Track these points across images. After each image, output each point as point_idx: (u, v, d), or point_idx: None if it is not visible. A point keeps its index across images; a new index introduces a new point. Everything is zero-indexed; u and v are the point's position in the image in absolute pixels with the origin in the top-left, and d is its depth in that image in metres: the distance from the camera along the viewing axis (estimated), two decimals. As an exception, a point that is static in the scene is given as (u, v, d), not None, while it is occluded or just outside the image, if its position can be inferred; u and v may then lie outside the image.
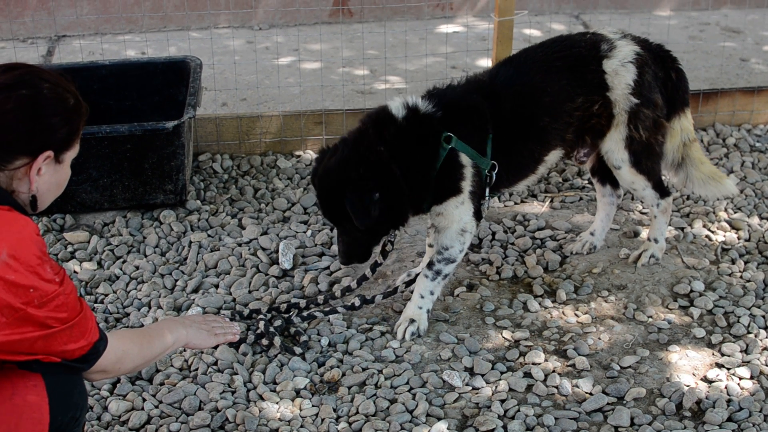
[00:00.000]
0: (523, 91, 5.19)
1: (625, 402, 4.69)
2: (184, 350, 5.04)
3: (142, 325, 5.27)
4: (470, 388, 4.79)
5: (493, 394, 4.73)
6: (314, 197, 6.46)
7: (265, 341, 5.04)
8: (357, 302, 5.28)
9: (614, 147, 5.37)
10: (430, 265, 5.19)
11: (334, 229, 5.69)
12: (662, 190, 5.57)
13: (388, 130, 4.90)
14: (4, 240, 3.19)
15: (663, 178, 5.61)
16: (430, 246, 5.48)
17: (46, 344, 3.29)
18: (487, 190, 5.15)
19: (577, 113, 5.26)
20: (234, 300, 5.48)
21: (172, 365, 4.97)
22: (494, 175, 5.11)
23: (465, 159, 5.02)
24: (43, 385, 3.47)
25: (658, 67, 5.41)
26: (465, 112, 5.05)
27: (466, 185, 5.06)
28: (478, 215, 5.20)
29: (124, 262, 5.88)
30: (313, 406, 4.67)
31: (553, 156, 5.39)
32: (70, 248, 5.99)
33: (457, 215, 5.08)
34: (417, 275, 5.31)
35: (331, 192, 4.89)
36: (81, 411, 3.64)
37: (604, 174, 5.71)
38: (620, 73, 5.25)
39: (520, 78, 5.22)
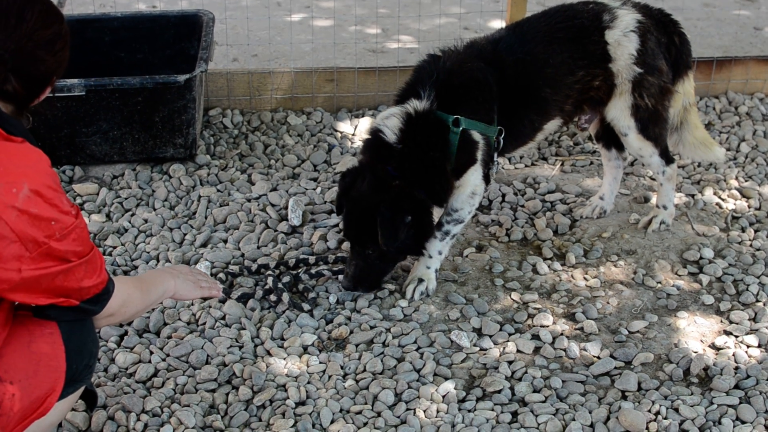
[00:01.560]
0: (526, 61, 5.17)
1: (632, 366, 4.69)
2: (192, 304, 5.05)
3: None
4: (478, 348, 4.79)
5: (500, 356, 4.73)
6: (324, 155, 6.46)
7: (273, 297, 5.04)
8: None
9: (619, 115, 5.37)
10: (439, 225, 5.18)
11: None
12: (667, 158, 5.56)
13: (392, 163, 4.89)
14: (23, 174, 3.19)
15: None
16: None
17: (65, 279, 3.29)
18: (495, 155, 5.14)
19: (577, 86, 5.26)
20: (242, 255, 5.47)
21: (179, 319, 4.97)
22: (501, 140, 5.11)
23: (477, 135, 5.02)
24: (59, 333, 3.48)
25: (661, 32, 5.39)
26: (466, 88, 5.03)
27: (480, 154, 5.07)
28: (486, 178, 5.19)
29: (132, 215, 5.87)
30: (320, 362, 4.68)
31: (552, 125, 5.39)
32: (79, 200, 5.98)
33: (471, 180, 5.09)
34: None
35: (363, 210, 4.90)
36: (93, 359, 3.66)
37: (609, 138, 5.70)
38: (623, 43, 5.23)
39: (522, 47, 5.20)
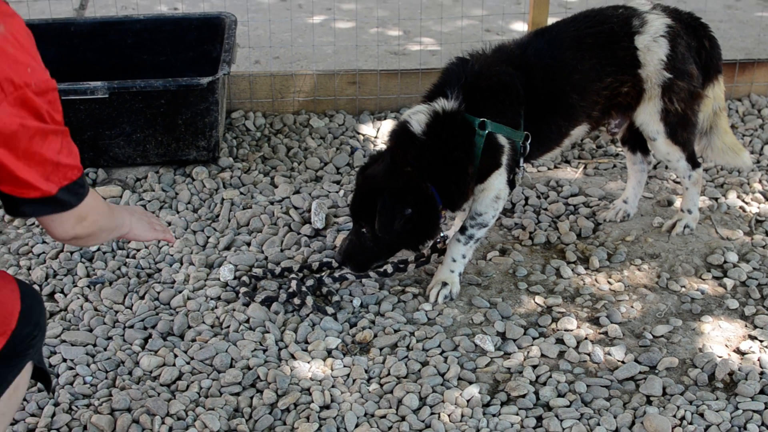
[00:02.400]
0: (554, 66, 5.16)
1: (657, 371, 4.68)
2: (216, 307, 5.06)
3: (174, 282, 5.29)
4: (502, 353, 4.79)
5: (524, 360, 4.72)
6: (347, 158, 6.46)
7: (297, 300, 5.05)
8: (389, 269, 5.27)
9: (648, 120, 5.34)
10: (462, 229, 5.18)
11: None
12: (694, 162, 5.54)
13: (412, 152, 4.91)
14: (1, 18, 3.11)
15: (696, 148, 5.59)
16: (462, 210, 5.47)
17: (42, 145, 3.18)
18: (521, 160, 5.13)
19: (605, 92, 5.23)
20: (266, 258, 5.47)
21: (203, 322, 4.98)
22: (528, 146, 5.10)
23: (502, 139, 5.01)
24: (18, 293, 3.42)
25: (691, 37, 5.36)
26: (493, 91, 5.02)
27: (505, 159, 5.06)
28: (511, 183, 5.19)
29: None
30: (344, 366, 4.68)
31: (579, 131, 5.37)
32: (102, 202, 5.98)
33: (495, 184, 5.08)
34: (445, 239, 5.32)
35: (369, 189, 4.95)
36: (39, 331, 3.57)
37: (635, 142, 5.68)
38: (652, 49, 5.21)
39: (551, 52, 5.18)
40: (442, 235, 5.34)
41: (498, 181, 5.07)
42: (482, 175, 5.04)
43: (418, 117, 4.94)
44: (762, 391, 4.54)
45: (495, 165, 5.03)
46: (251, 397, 4.49)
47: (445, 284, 5.15)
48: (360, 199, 5.02)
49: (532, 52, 5.15)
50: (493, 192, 5.09)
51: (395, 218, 4.84)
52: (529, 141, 5.07)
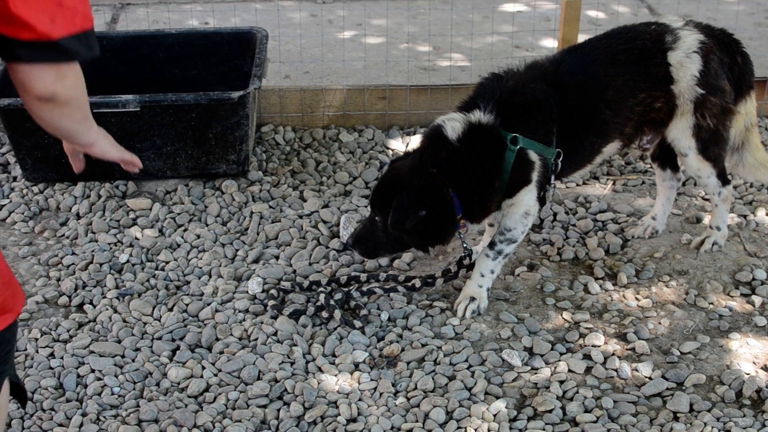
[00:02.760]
0: (587, 83, 5.16)
1: (684, 388, 4.67)
2: (244, 319, 5.08)
3: (203, 294, 5.32)
4: (529, 368, 4.79)
5: (552, 375, 4.72)
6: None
7: (325, 314, 5.06)
8: (417, 283, 5.29)
9: (680, 135, 5.33)
10: (491, 244, 5.19)
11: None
12: (724, 179, 5.53)
13: (443, 155, 4.96)
14: None
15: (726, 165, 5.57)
16: (491, 225, 5.48)
17: None
18: (552, 178, 5.13)
19: (638, 108, 5.22)
20: (294, 272, 5.49)
21: (231, 334, 5.00)
22: (559, 163, 5.10)
23: (533, 155, 5.02)
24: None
25: (724, 52, 5.34)
26: (526, 107, 5.03)
27: (535, 175, 5.07)
28: (541, 200, 5.19)
29: (185, 230, 5.91)
30: (371, 380, 4.69)
31: (611, 148, 5.36)
32: (132, 215, 6.02)
33: (525, 200, 5.09)
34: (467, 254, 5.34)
35: (391, 181, 5.04)
36: (15, 342, 3.38)
37: (665, 158, 5.68)
38: (685, 65, 5.20)
39: (584, 69, 5.18)
40: (466, 247, 5.33)
41: (527, 197, 5.08)
42: (511, 191, 5.05)
43: (453, 124, 4.97)
44: (790, 409, 4.53)
45: (525, 181, 5.04)
46: (278, 410, 4.51)
47: (472, 299, 5.16)
48: (380, 190, 5.09)
49: (566, 69, 5.15)
50: (523, 208, 5.10)
51: (408, 217, 4.89)
52: (560, 158, 5.08)
